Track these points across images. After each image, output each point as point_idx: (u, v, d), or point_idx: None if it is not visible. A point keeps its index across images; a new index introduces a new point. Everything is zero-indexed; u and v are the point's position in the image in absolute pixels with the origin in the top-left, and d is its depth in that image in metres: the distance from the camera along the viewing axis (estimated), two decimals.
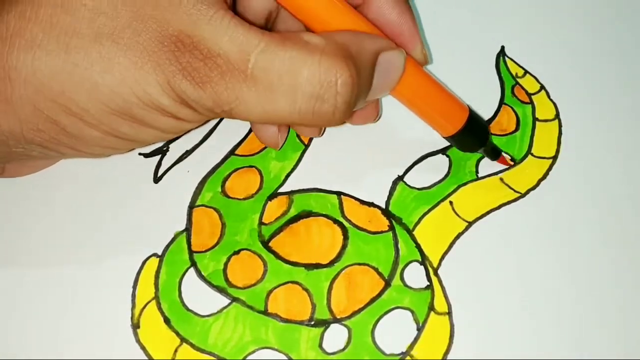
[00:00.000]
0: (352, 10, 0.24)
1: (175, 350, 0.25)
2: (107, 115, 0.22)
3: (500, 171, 0.29)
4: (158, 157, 0.29)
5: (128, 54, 0.21)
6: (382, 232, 0.27)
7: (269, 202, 0.28)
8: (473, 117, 0.27)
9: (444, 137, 0.28)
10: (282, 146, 0.29)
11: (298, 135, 0.29)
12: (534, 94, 0.31)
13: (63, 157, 0.26)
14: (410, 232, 0.27)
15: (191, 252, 0.27)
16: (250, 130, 0.30)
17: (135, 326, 0.25)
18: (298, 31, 0.24)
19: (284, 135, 0.28)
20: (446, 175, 0.29)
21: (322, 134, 0.29)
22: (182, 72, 0.21)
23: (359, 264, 0.27)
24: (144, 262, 0.27)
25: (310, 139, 0.29)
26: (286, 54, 0.22)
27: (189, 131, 0.27)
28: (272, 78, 0.22)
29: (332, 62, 0.22)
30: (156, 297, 0.26)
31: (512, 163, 0.29)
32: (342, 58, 0.22)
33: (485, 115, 0.30)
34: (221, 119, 0.30)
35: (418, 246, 0.27)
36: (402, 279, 0.26)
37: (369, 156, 0.29)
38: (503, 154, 0.29)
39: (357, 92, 0.23)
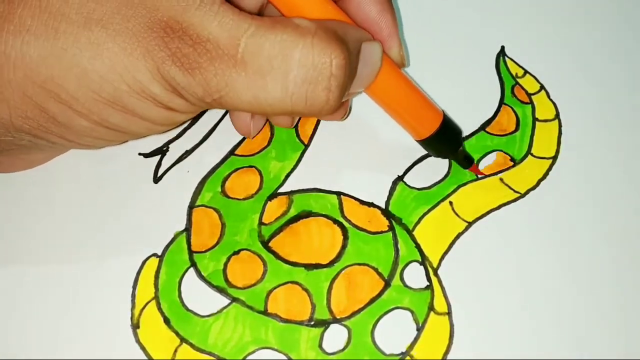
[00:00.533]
0: (332, 4, 0.24)
1: (175, 351, 0.25)
2: (97, 103, 0.22)
3: (500, 171, 0.29)
4: (158, 157, 0.29)
5: (117, 40, 0.21)
6: (382, 232, 0.27)
7: (269, 202, 0.28)
8: (447, 123, 0.27)
9: (416, 141, 0.28)
10: (255, 136, 0.29)
11: (298, 135, 0.29)
12: (533, 94, 0.31)
13: (55, 147, 0.26)
14: (410, 232, 0.27)
15: (191, 252, 0.27)
16: None
17: (135, 326, 0.25)
18: (288, 17, 0.23)
19: (258, 125, 0.28)
20: (446, 176, 0.29)
21: (294, 124, 0.29)
22: (172, 57, 0.21)
23: (359, 264, 0.27)
24: (143, 262, 0.27)
25: (310, 139, 0.29)
26: (277, 37, 0.21)
27: (181, 124, 0.27)
28: (262, 62, 0.21)
29: (325, 44, 0.21)
30: (156, 297, 0.26)
31: (483, 173, 0.29)
32: (335, 40, 0.22)
33: (485, 115, 0.30)
34: (221, 119, 0.30)
35: (418, 246, 0.27)
36: (401, 279, 0.26)
37: (369, 156, 0.29)
38: (475, 163, 0.29)
39: (349, 77, 0.22)
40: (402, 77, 0.26)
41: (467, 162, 0.28)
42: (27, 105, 0.22)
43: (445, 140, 0.28)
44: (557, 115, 0.30)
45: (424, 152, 0.29)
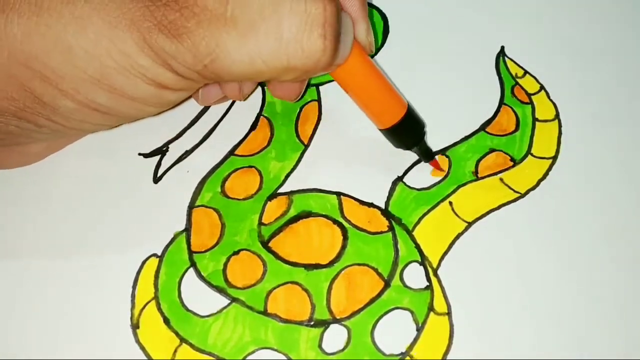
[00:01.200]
0: None
1: (175, 351, 0.25)
2: (83, 82, 0.22)
3: (500, 171, 0.29)
4: (158, 157, 0.29)
5: (101, 14, 0.21)
6: (381, 232, 0.27)
7: (269, 202, 0.28)
8: (411, 114, 0.27)
9: (379, 129, 0.28)
10: (247, 97, 0.28)
11: (298, 136, 0.29)
12: (533, 94, 0.31)
13: (44, 134, 0.25)
14: (409, 232, 0.27)
15: (191, 253, 0.27)
16: (249, 131, 0.30)
17: (135, 326, 0.25)
18: None
19: (249, 85, 0.27)
20: (446, 176, 0.29)
21: (299, 98, 0.28)
22: (158, 26, 0.21)
23: (359, 265, 0.26)
24: (143, 262, 0.27)
25: (310, 139, 0.29)
26: None
27: (173, 106, 0.26)
28: (253, 16, 0.21)
29: None
30: (156, 298, 0.26)
31: (444, 171, 0.29)
32: None
33: (485, 115, 0.30)
34: (221, 119, 0.30)
35: (417, 247, 0.27)
36: (401, 279, 0.26)
37: (369, 156, 0.29)
38: (437, 157, 0.29)
39: (339, 32, 0.22)
40: (369, 62, 0.26)
41: (428, 155, 0.28)
42: (12, 85, 0.22)
43: (407, 131, 0.28)
44: (557, 115, 0.30)
45: None
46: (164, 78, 0.22)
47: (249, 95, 0.29)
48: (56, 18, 0.21)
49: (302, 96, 0.29)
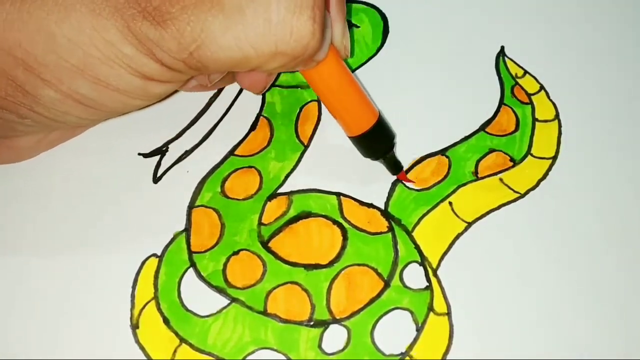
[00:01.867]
0: None
1: (175, 351, 0.25)
2: (67, 71, 0.21)
3: (500, 171, 0.29)
4: (157, 157, 0.29)
5: (85, 1, 0.21)
6: (381, 232, 0.27)
7: (269, 202, 0.28)
8: (381, 123, 0.27)
9: (348, 137, 0.27)
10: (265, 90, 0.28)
11: (298, 136, 0.29)
12: (533, 94, 0.31)
13: (25, 125, 0.24)
14: (409, 233, 0.27)
15: (190, 253, 0.27)
16: (249, 131, 0.30)
17: (135, 326, 0.25)
18: None
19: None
20: (446, 176, 0.29)
21: (264, 90, 0.27)
22: (142, 13, 0.20)
23: (359, 265, 0.27)
24: (143, 263, 0.27)
25: (310, 139, 0.29)
26: None
27: (159, 100, 0.26)
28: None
29: None
30: (155, 298, 0.26)
31: (413, 182, 0.28)
32: None
33: (485, 115, 0.30)
34: (221, 119, 0.30)
35: (417, 247, 0.27)
36: (401, 279, 0.26)
37: None
38: (404, 170, 0.28)
39: (325, 20, 0.21)
40: (342, 66, 0.25)
41: (396, 168, 0.28)
42: None
43: (376, 141, 0.27)
44: (557, 116, 0.30)
45: (423, 152, 0.29)
46: (148, 69, 0.22)
47: (219, 85, 0.28)
48: (39, 5, 0.21)
49: (267, 90, 0.29)
